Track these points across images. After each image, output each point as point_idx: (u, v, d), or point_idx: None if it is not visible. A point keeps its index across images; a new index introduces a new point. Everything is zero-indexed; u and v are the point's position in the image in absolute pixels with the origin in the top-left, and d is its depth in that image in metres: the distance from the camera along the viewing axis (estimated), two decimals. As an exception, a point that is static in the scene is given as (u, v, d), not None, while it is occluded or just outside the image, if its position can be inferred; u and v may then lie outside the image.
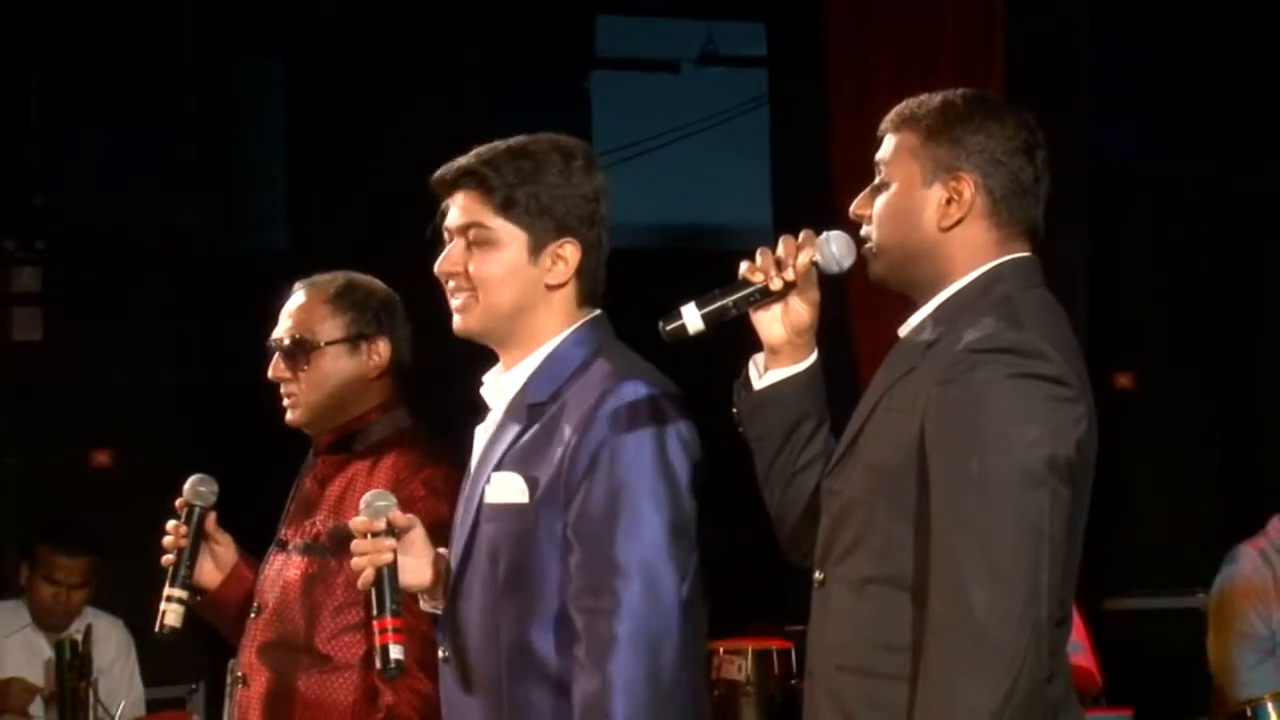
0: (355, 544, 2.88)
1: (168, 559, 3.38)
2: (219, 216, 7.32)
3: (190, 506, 3.42)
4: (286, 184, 7.17)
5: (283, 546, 3.50)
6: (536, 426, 2.85)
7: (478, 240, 2.90)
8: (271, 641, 3.43)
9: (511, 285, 2.88)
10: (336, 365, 3.46)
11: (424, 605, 2.99)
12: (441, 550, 2.97)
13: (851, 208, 2.65)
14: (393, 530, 2.88)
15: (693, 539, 2.78)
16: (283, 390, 3.49)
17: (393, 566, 2.86)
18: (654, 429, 2.76)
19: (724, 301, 2.66)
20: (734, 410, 2.74)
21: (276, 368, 3.48)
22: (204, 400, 6.75)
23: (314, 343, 3.45)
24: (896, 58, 6.94)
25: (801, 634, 2.71)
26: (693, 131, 8.12)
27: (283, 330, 3.49)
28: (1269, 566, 5.68)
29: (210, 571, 3.48)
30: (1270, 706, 5.14)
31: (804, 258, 2.65)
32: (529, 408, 2.87)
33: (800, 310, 2.66)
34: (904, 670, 2.46)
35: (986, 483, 2.39)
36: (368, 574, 2.85)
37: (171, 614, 3.33)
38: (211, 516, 3.45)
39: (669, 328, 2.68)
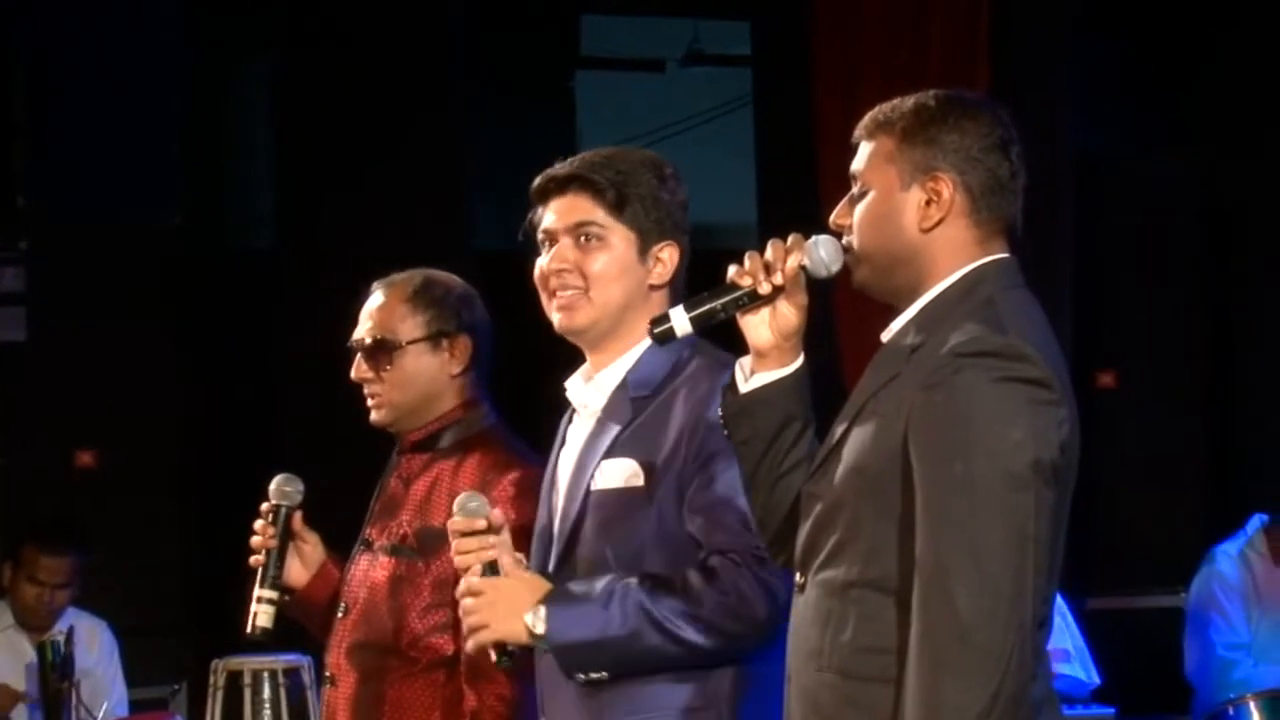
0: (458, 544, 2.94)
1: (256, 559, 3.40)
2: (204, 215, 7.31)
3: (277, 507, 3.43)
4: (272, 182, 7.16)
5: (368, 546, 3.50)
6: (644, 416, 2.93)
7: (590, 238, 2.99)
8: (359, 642, 3.44)
9: (622, 283, 2.99)
10: (419, 364, 3.47)
11: None
12: (518, 554, 3.02)
13: (831, 218, 2.66)
14: (491, 528, 2.94)
15: None
16: (366, 391, 3.50)
17: (495, 563, 2.92)
18: None
19: (712, 305, 2.66)
20: (719, 413, 2.74)
21: (359, 369, 3.49)
22: (189, 400, 6.74)
23: (396, 342, 3.46)
24: (882, 55, 6.95)
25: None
26: (678, 131, 8.14)
27: (364, 331, 3.50)
28: (1247, 568, 5.71)
29: (298, 570, 3.50)
30: (1252, 705, 5.17)
31: (792, 262, 2.64)
32: (632, 401, 2.95)
33: (787, 314, 2.66)
34: (886, 673, 2.47)
35: (972, 486, 2.40)
36: (475, 570, 2.91)
37: (263, 615, 3.35)
38: (298, 515, 3.46)
39: (657, 330, 2.69)
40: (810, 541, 2.59)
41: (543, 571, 2.99)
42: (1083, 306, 6.91)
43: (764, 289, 2.64)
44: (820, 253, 2.65)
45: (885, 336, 2.62)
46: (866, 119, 2.64)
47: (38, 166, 6.67)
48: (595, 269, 2.98)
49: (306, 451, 5.85)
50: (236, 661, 5.40)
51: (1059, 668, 5.51)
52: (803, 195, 6.60)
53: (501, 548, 2.96)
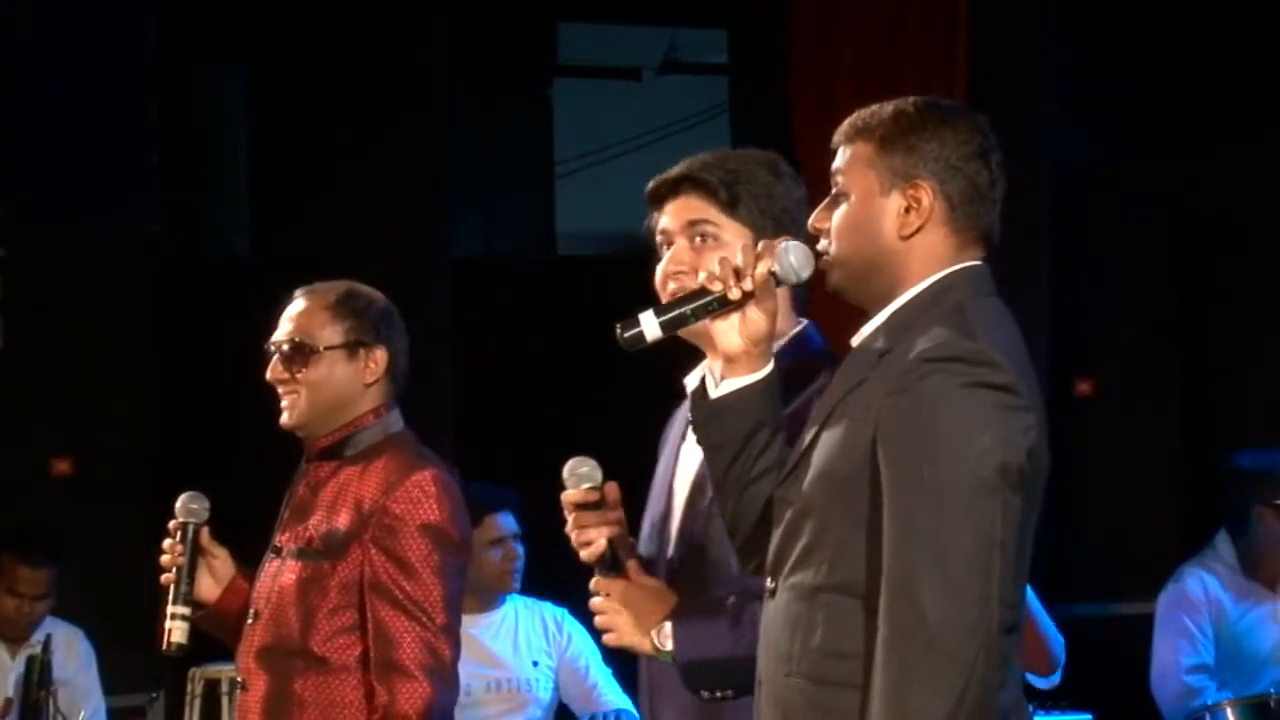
0: (576, 518, 2.89)
1: (167, 578, 3.48)
2: (181, 221, 7.29)
3: (184, 524, 3.51)
4: (249, 189, 7.15)
5: (277, 552, 3.54)
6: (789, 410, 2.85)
7: (705, 238, 2.96)
8: (268, 646, 3.48)
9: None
10: (333, 370, 3.52)
11: None
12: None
13: (809, 221, 2.66)
14: (603, 502, 2.89)
15: None
16: (281, 392, 3.55)
17: (615, 548, 2.88)
18: None
19: (682, 310, 2.67)
20: (689, 418, 2.74)
21: (274, 370, 3.54)
22: (166, 407, 6.72)
23: (313, 347, 3.52)
24: (859, 64, 6.95)
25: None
26: (655, 139, 8.13)
27: (283, 334, 3.56)
28: (1217, 582, 5.69)
29: (209, 585, 3.57)
30: (1229, 713, 5.16)
31: (762, 268, 2.65)
32: None
33: (758, 320, 2.67)
34: (853, 678, 2.47)
35: (939, 491, 2.41)
36: (598, 545, 2.87)
37: (177, 631, 3.44)
38: (205, 531, 3.54)
39: (627, 335, 2.69)
40: (781, 546, 2.60)
41: (653, 561, 2.95)
42: (1061, 315, 6.92)
43: (734, 294, 2.65)
44: (790, 259, 2.66)
45: (855, 341, 2.63)
46: (845, 124, 2.64)
47: (13, 172, 6.65)
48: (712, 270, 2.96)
49: (282, 460, 5.84)
50: (214, 669, 5.41)
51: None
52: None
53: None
